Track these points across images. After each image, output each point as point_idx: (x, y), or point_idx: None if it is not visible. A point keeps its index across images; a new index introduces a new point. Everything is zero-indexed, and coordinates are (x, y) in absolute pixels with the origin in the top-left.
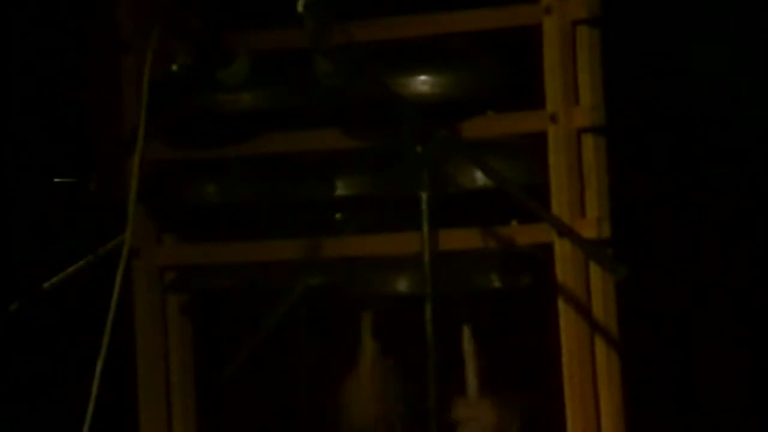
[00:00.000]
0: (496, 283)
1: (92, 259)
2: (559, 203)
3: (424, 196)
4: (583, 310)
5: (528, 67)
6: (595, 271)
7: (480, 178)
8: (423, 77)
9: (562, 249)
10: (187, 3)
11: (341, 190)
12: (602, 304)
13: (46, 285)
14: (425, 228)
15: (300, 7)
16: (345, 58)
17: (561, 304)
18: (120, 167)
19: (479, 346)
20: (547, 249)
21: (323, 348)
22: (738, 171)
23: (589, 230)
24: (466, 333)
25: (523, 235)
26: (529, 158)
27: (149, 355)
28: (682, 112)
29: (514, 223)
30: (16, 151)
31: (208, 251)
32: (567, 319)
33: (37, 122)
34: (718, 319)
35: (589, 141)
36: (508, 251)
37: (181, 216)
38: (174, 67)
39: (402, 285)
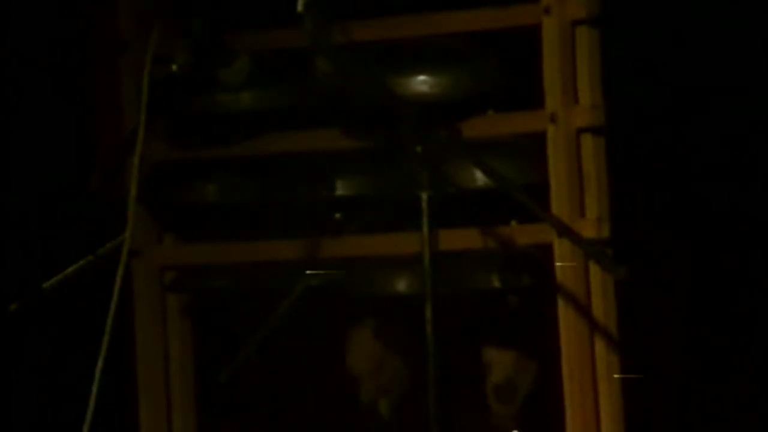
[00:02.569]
0: (496, 283)
1: (92, 259)
2: (559, 203)
3: (424, 196)
4: (583, 310)
5: (527, 67)
6: (595, 271)
7: (480, 178)
8: (423, 77)
9: (562, 249)
10: (188, 3)
11: (341, 190)
12: (602, 304)
13: (46, 285)
14: (425, 228)
15: (300, 7)
16: (345, 58)
17: (561, 304)
18: (120, 167)
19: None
20: (547, 249)
21: (323, 347)
22: (738, 171)
23: (589, 230)
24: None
25: (523, 235)
26: (529, 158)
27: (149, 355)
28: (682, 112)
29: (514, 223)
30: (16, 151)
31: (208, 251)
32: (567, 319)
33: (37, 122)
34: (718, 318)
35: (588, 141)
36: (508, 251)
37: (181, 216)
38: (174, 67)
39: (402, 285)
